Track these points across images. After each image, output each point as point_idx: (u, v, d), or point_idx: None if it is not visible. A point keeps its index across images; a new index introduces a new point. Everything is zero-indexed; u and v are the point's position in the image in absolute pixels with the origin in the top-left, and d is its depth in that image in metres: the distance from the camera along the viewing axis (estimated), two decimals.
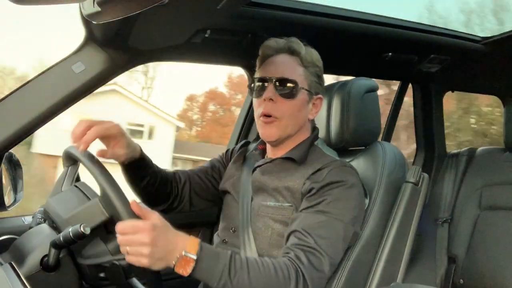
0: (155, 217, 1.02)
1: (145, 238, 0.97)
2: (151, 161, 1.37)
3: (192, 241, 1.03)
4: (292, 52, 1.30)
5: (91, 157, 1.15)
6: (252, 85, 1.32)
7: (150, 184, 1.36)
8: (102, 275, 1.17)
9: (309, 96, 1.31)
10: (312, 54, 1.32)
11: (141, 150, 1.31)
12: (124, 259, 1.04)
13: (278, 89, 1.26)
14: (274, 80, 1.26)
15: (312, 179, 1.22)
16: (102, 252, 1.17)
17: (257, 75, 1.34)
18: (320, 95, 1.35)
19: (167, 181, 1.42)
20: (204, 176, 1.50)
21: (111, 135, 1.18)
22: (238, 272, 1.04)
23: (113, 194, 1.06)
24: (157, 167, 1.40)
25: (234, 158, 1.49)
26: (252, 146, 1.49)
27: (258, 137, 1.48)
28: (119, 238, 1.00)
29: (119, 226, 0.99)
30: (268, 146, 1.40)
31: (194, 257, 1.01)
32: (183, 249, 1.01)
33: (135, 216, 1.02)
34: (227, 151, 1.56)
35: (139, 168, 1.32)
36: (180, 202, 1.46)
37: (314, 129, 1.40)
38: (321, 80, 1.35)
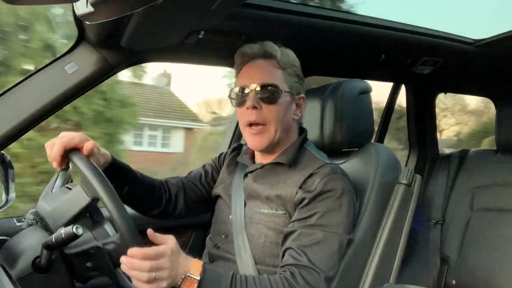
0: (171, 242, 1.05)
1: (166, 263, 1.01)
2: (130, 168, 1.35)
3: (196, 263, 1.07)
4: (268, 56, 1.28)
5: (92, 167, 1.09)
6: (232, 94, 1.31)
7: (132, 191, 1.35)
8: (89, 264, 1.16)
9: (291, 97, 1.30)
10: (289, 55, 1.31)
11: (113, 156, 1.29)
12: (110, 243, 1.06)
13: (260, 96, 1.24)
14: (254, 87, 1.25)
15: (304, 189, 1.22)
16: (88, 239, 1.16)
17: (236, 84, 1.32)
18: (302, 94, 1.34)
19: (153, 189, 1.41)
20: (199, 182, 1.50)
21: (77, 144, 1.14)
22: None
23: (119, 217, 1.02)
24: (139, 174, 1.38)
25: (227, 162, 1.49)
26: (244, 149, 1.48)
27: None
28: (150, 264, 1.00)
29: (152, 253, 1.00)
30: (259, 153, 1.39)
31: (198, 277, 1.04)
32: (188, 271, 1.04)
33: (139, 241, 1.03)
34: (220, 155, 1.56)
35: (114, 175, 1.26)
36: (175, 208, 1.46)
37: (302, 131, 1.38)
38: (300, 79, 1.34)
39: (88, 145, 1.15)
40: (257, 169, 1.35)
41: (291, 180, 1.25)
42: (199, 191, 1.49)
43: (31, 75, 1.32)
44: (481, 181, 1.97)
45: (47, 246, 1.07)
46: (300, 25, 1.50)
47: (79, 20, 1.24)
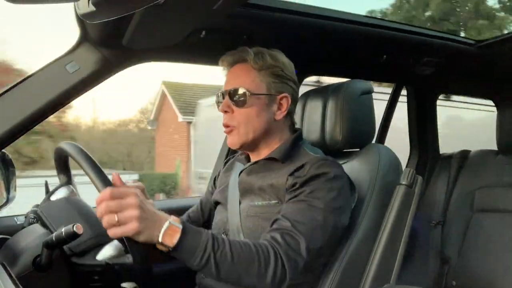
0: (137, 189, 1.04)
1: (133, 200, 0.98)
2: None
3: (174, 216, 1.05)
4: (243, 60, 1.33)
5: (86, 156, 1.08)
6: (216, 100, 1.38)
7: None
8: (96, 277, 1.17)
9: (268, 98, 1.32)
10: (265, 57, 1.32)
11: None
12: (117, 262, 1.05)
13: (232, 100, 1.31)
14: (227, 92, 1.31)
15: (295, 175, 1.24)
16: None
17: None
18: (285, 94, 1.34)
19: None
20: (200, 215, 1.55)
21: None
22: (221, 246, 1.06)
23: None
24: None
25: (225, 168, 1.53)
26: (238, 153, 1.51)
27: None
28: (105, 204, 0.97)
29: (107, 191, 0.98)
30: (250, 155, 1.42)
31: (180, 226, 1.03)
32: (168, 220, 1.02)
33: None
34: (215, 178, 1.59)
35: None
36: None
37: (295, 130, 1.40)
38: (283, 78, 1.34)
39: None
40: (251, 165, 1.38)
41: (283, 171, 1.27)
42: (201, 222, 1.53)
43: (32, 75, 1.32)
44: (482, 182, 1.97)
45: (48, 245, 1.08)
46: (301, 25, 1.50)
47: (80, 20, 1.24)
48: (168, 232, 1.01)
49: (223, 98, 1.33)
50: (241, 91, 1.29)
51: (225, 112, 1.32)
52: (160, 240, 1.00)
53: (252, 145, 1.34)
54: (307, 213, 1.17)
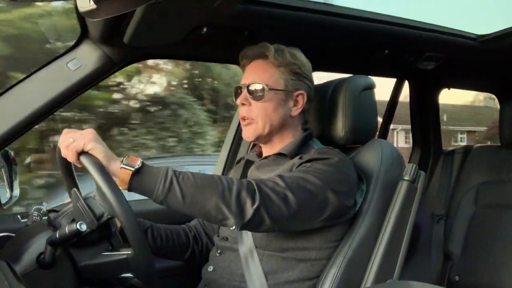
0: None
1: (89, 130, 1.07)
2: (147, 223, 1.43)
3: None
4: (264, 56, 1.36)
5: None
6: (234, 93, 1.42)
7: (164, 242, 1.43)
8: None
9: (285, 94, 1.35)
10: (285, 54, 1.35)
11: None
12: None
13: (250, 93, 1.34)
14: (246, 85, 1.35)
15: (300, 160, 1.27)
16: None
17: None
18: (301, 91, 1.37)
19: (179, 233, 1.48)
20: None
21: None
22: (183, 173, 1.09)
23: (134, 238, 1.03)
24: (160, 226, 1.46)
25: (237, 166, 1.55)
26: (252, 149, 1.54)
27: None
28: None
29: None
30: (263, 148, 1.44)
31: (140, 158, 1.07)
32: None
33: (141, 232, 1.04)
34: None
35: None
36: (201, 243, 1.51)
37: (306, 129, 1.43)
38: (301, 76, 1.37)
39: None
40: (260, 160, 1.41)
41: (290, 162, 1.30)
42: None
43: (34, 72, 1.33)
44: (485, 177, 1.97)
45: (51, 242, 1.08)
46: (303, 21, 1.49)
47: (81, 17, 1.25)
48: (129, 159, 1.06)
49: (241, 91, 1.36)
50: (259, 85, 1.33)
51: (243, 104, 1.35)
52: (123, 161, 1.05)
53: (266, 138, 1.37)
54: (298, 175, 1.18)
